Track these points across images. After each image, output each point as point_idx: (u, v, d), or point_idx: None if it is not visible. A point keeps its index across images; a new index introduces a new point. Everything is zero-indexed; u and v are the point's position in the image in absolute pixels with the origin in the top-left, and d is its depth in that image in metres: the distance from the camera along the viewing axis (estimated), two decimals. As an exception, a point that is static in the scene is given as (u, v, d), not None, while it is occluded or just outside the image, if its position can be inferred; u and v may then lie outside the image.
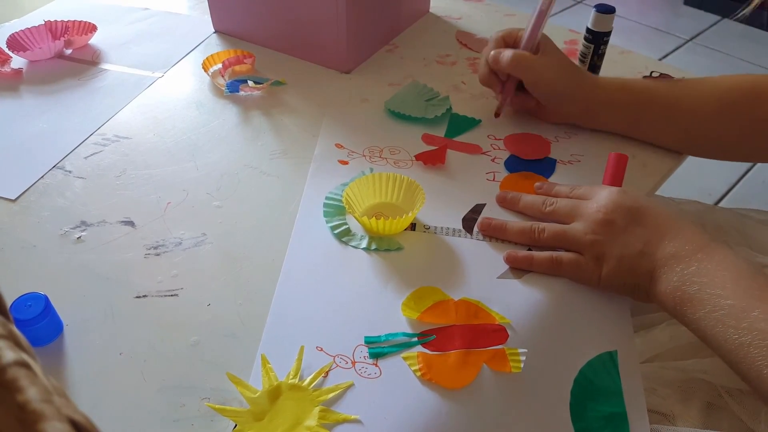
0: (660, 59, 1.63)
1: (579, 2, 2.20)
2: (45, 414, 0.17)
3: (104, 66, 0.74)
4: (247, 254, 0.50)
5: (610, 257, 0.46)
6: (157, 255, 0.50)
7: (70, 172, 0.58)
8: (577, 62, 0.72)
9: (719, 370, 0.48)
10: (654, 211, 0.47)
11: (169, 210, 0.54)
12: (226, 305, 0.46)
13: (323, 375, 0.41)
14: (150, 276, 0.48)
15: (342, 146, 0.61)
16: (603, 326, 0.46)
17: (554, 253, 0.49)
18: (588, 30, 0.69)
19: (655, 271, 0.45)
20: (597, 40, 0.68)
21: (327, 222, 0.53)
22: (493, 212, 0.54)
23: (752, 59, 1.92)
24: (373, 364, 0.42)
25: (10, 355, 0.19)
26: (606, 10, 0.67)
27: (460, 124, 0.65)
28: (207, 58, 0.72)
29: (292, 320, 0.45)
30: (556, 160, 0.60)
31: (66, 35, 0.75)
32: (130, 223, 0.53)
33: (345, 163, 0.59)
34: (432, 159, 0.59)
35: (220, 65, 0.72)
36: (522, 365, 0.42)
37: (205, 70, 0.71)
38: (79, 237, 0.52)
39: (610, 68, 0.73)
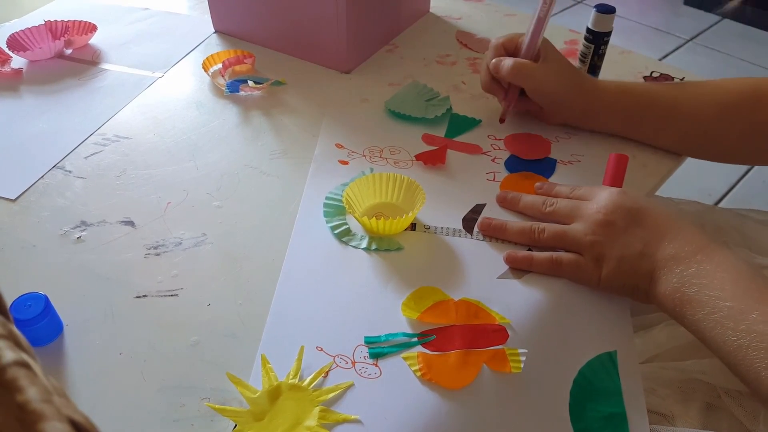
0: (660, 59, 1.63)
1: (579, 2, 2.20)
2: (45, 414, 0.17)
3: (104, 66, 0.74)
4: (247, 254, 0.50)
5: (610, 258, 0.46)
6: (157, 255, 0.50)
7: (70, 172, 0.58)
8: (577, 62, 0.72)
9: (718, 370, 0.48)
10: (654, 212, 0.47)
11: (169, 210, 0.54)
12: (226, 305, 0.46)
13: (323, 375, 0.41)
14: (150, 276, 0.48)
15: (342, 146, 0.61)
16: (603, 327, 0.46)
17: (554, 254, 0.49)
18: (588, 30, 0.69)
19: (655, 272, 0.45)
20: (597, 40, 0.68)
21: (327, 222, 0.53)
22: (493, 212, 0.54)
23: (752, 59, 1.92)
24: (373, 364, 0.42)
25: (9, 355, 0.19)
26: (606, 10, 0.67)
27: (460, 124, 0.65)
28: (207, 58, 0.72)
29: (292, 320, 0.45)
30: (556, 160, 0.60)
31: (66, 35, 0.75)
32: (130, 223, 0.53)
33: (345, 163, 0.59)
34: (432, 159, 0.59)
35: (220, 65, 0.72)
36: (522, 365, 0.42)
37: (205, 70, 0.71)
38: (79, 237, 0.52)
39: (610, 68, 0.73)
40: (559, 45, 0.79)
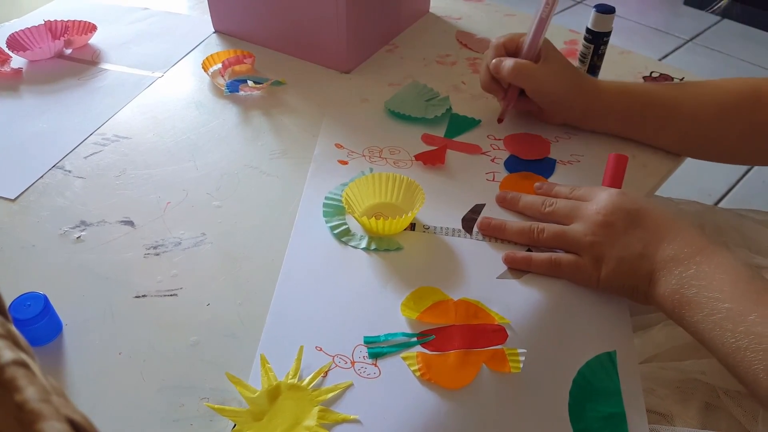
0: (660, 59, 1.63)
1: (579, 2, 2.20)
2: (43, 413, 0.17)
3: (104, 66, 0.74)
4: (247, 254, 0.50)
5: (610, 259, 0.46)
6: (157, 255, 0.50)
7: (69, 171, 0.58)
8: (576, 62, 0.72)
9: (717, 370, 0.48)
10: (653, 214, 0.47)
11: (168, 210, 0.54)
12: (225, 305, 0.46)
13: (322, 375, 0.41)
14: (149, 276, 0.48)
15: (342, 146, 0.61)
16: (602, 327, 0.46)
17: (553, 255, 0.49)
18: (588, 30, 0.69)
19: (654, 273, 0.45)
20: (597, 40, 0.68)
21: (327, 222, 0.53)
22: (493, 212, 0.54)
23: (752, 59, 1.92)
24: (373, 364, 0.42)
25: (8, 354, 0.19)
26: (606, 10, 0.67)
27: (459, 124, 0.65)
28: (207, 58, 0.72)
29: (291, 320, 0.45)
30: (555, 160, 0.60)
31: (66, 35, 0.75)
32: (130, 223, 0.53)
33: (345, 163, 0.59)
34: (432, 159, 0.59)
35: (219, 65, 0.72)
36: (521, 365, 0.42)
37: (205, 70, 0.71)
38: (79, 237, 0.52)
39: (610, 68, 0.73)
40: (559, 45, 0.79)
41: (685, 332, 0.43)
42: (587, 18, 0.68)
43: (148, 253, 0.50)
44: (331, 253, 0.50)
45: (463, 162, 0.60)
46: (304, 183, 0.57)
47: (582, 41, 0.70)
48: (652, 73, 0.75)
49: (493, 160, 0.60)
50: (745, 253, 0.59)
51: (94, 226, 0.52)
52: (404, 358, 0.42)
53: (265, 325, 0.44)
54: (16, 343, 0.20)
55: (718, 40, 2.01)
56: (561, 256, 0.48)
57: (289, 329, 0.44)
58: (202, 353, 0.43)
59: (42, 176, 0.58)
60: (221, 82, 0.70)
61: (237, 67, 0.72)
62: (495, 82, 0.62)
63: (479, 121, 0.65)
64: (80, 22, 0.77)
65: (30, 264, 0.49)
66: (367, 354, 0.43)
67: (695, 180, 1.45)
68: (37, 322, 0.42)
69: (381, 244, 0.51)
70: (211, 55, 0.72)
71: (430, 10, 0.86)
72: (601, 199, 0.49)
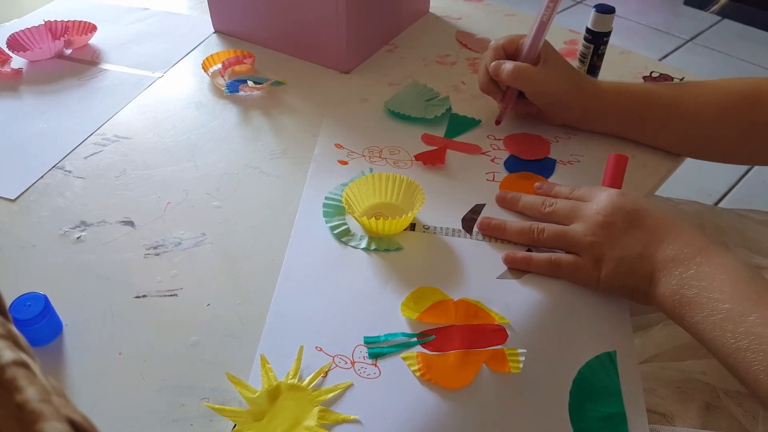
0: (660, 59, 1.63)
1: (579, 2, 2.20)
2: (44, 414, 0.17)
3: (104, 66, 0.74)
4: (247, 254, 0.50)
5: (610, 259, 0.46)
6: (157, 255, 0.50)
7: (69, 172, 0.58)
8: (576, 62, 0.72)
9: (717, 371, 0.48)
10: (653, 214, 0.47)
11: (168, 210, 0.54)
12: (225, 305, 0.46)
13: (323, 375, 0.41)
14: (149, 276, 0.48)
15: (342, 146, 0.61)
16: (602, 327, 0.46)
17: (553, 255, 0.49)
18: (588, 30, 0.69)
19: (655, 273, 0.45)
20: (597, 40, 0.68)
21: (326, 222, 0.53)
22: (493, 212, 0.54)
23: (752, 59, 1.92)
24: (373, 364, 0.42)
25: (8, 354, 0.19)
26: (606, 10, 0.67)
27: (459, 124, 0.65)
28: (207, 58, 0.72)
29: (291, 320, 0.45)
30: (555, 160, 0.60)
31: (66, 35, 0.75)
32: (130, 223, 0.53)
33: (345, 163, 0.59)
34: (432, 159, 0.59)
35: (219, 65, 0.72)
36: (521, 365, 0.42)
37: (205, 70, 0.71)
38: (79, 237, 0.52)
39: (610, 68, 0.73)
40: (559, 45, 0.79)
41: (686, 332, 0.43)
42: (587, 18, 0.68)
43: (148, 254, 0.50)
44: (331, 253, 0.50)
45: (463, 162, 0.60)
46: (304, 183, 0.57)
47: (582, 41, 0.70)
48: (652, 73, 0.75)
49: (493, 160, 0.60)
50: (745, 253, 0.59)
51: (95, 227, 0.53)
52: (404, 358, 0.42)
53: (265, 325, 0.45)
54: (16, 344, 0.20)
55: (718, 40, 2.01)
56: (561, 256, 0.48)
57: (289, 329, 0.44)
58: (202, 353, 0.43)
59: (42, 176, 0.58)
60: (221, 82, 0.70)
61: (237, 68, 0.72)
62: (494, 84, 0.62)
63: (479, 121, 0.65)
64: (80, 22, 0.77)
65: (30, 264, 0.49)
66: (367, 354, 0.43)
67: (695, 180, 1.45)
68: (37, 322, 0.42)
69: (381, 244, 0.51)
70: (211, 55, 0.72)
71: (430, 10, 0.86)
72: (601, 199, 0.49)
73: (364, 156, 0.60)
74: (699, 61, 1.91)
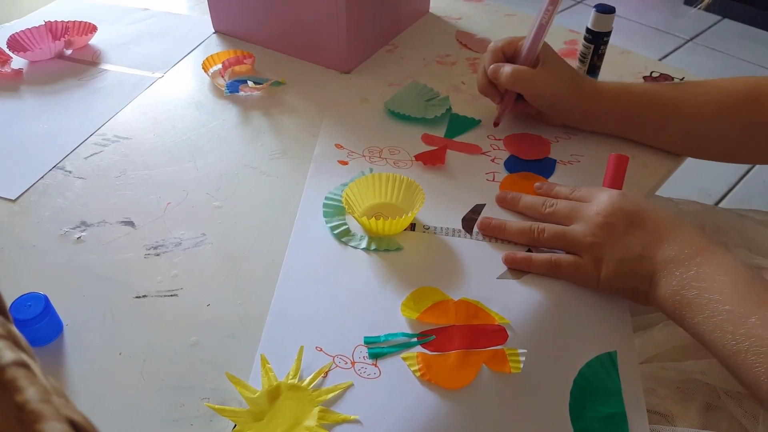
0: (660, 59, 1.63)
1: (579, 2, 2.20)
2: (44, 414, 0.17)
3: (104, 66, 0.74)
4: (247, 254, 0.50)
5: (610, 260, 0.46)
6: (157, 255, 0.50)
7: (70, 172, 0.58)
8: (576, 62, 0.72)
9: (718, 371, 0.48)
10: (654, 215, 0.47)
11: (168, 210, 0.54)
12: (225, 305, 0.46)
13: (323, 375, 0.41)
14: (150, 276, 0.48)
15: (342, 146, 0.61)
16: (602, 327, 0.46)
17: (553, 255, 0.49)
18: (588, 30, 0.69)
19: (655, 274, 0.45)
20: (597, 40, 0.68)
21: (327, 222, 0.53)
22: (493, 212, 0.54)
23: (752, 59, 1.92)
24: (373, 364, 0.42)
25: (9, 355, 0.19)
26: (606, 10, 0.67)
27: (459, 124, 0.65)
28: (207, 59, 0.72)
29: (291, 320, 0.45)
30: (555, 160, 0.60)
31: (66, 35, 0.75)
32: (130, 224, 0.53)
33: (345, 163, 0.59)
34: (432, 159, 0.59)
35: (220, 65, 0.72)
36: (521, 366, 0.42)
37: (205, 71, 0.71)
38: (79, 237, 0.52)
39: (610, 68, 0.73)
40: (559, 45, 0.79)
41: (686, 332, 0.43)
42: (587, 18, 0.68)
43: (149, 254, 0.50)
44: (331, 253, 0.50)
45: (463, 162, 0.60)
46: (304, 183, 0.57)
47: (582, 41, 0.70)
48: (652, 73, 0.75)
49: (493, 160, 0.60)
50: (745, 253, 0.59)
51: (95, 227, 0.53)
52: (404, 359, 0.42)
53: (265, 325, 0.45)
54: (16, 344, 0.20)
55: (718, 40, 2.01)
56: (561, 256, 0.48)
57: (290, 329, 0.44)
58: (202, 353, 0.43)
59: (42, 177, 0.58)
60: (221, 82, 0.70)
61: (237, 68, 0.72)
62: (492, 86, 0.62)
63: (479, 121, 0.65)
64: (80, 22, 0.77)
65: (30, 264, 0.49)
66: (367, 354, 0.43)
67: (695, 180, 1.45)
68: (37, 322, 0.42)
69: (381, 245, 0.51)
70: (211, 55, 0.72)
71: (430, 10, 0.86)
72: (601, 200, 0.49)
73: (364, 156, 0.60)
74: (699, 61, 1.91)
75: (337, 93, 0.69)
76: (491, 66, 0.60)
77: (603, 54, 0.70)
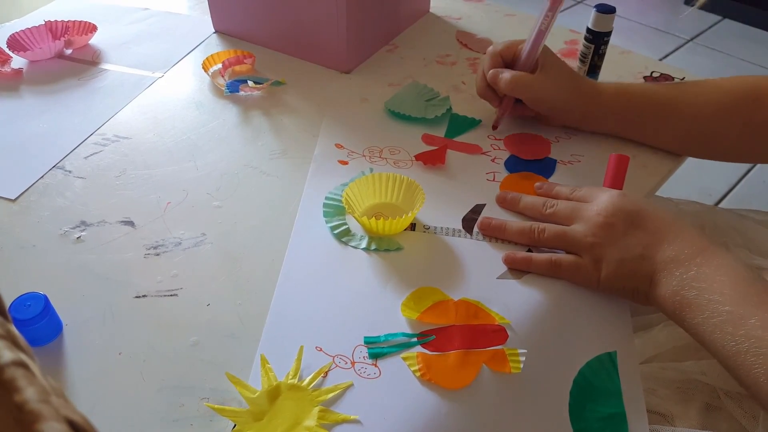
0: (660, 59, 1.62)
1: (579, 2, 2.20)
2: (42, 414, 0.17)
3: (104, 66, 0.74)
4: (247, 254, 0.50)
5: (610, 260, 0.46)
6: (157, 255, 0.50)
7: (70, 172, 0.58)
8: (577, 62, 0.72)
9: (718, 371, 0.48)
10: (654, 215, 0.47)
11: (168, 210, 0.54)
12: (225, 305, 0.46)
13: (323, 375, 0.41)
14: (149, 276, 0.48)
15: (342, 146, 0.61)
16: (602, 327, 0.46)
17: (553, 255, 0.49)
18: (588, 30, 0.68)
19: (655, 274, 0.45)
20: (597, 40, 0.68)
21: (327, 222, 0.53)
22: (493, 212, 0.54)
23: (752, 59, 1.92)
24: (373, 364, 0.42)
25: (7, 355, 0.19)
26: (606, 10, 0.67)
27: (460, 124, 0.65)
28: (207, 58, 0.72)
29: (291, 320, 0.45)
30: (556, 160, 0.60)
31: (66, 35, 0.75)
32: (130, 223, 0.53)
33: (345, 163, 0.59)
34: (432, 159, 0.59)
35: (220, 65, 0.72)
36: (522, 366, 0.42)
37: (205, 70, 0.71)
38: (79, 237, 0.52)
39: (611, 68, 0.73)
40: (559, 45, 0.79)
41: (686, 333, 0.43)
42: (588, 18, 0.68)
43: (149, 253, 0.50)
44: (331, 253, 0.50)
45: (464, 162, 0.60)
46: (304, 183, 0.57)
47: (582, 41, 0.70)
48: (652, 73, 0.75)
49: (493, 160, 0.60)
50: (746, 253, 0.59)
51: (95, 227, 0.52)
52: (404, 359, 0.42)
53: (265, 325, 0.44)
54: (15, 344, 0.20)
55: (719, 40, 2.01)
56: (561, 256, 0.48)
57: (289, 329, 0.44)
58: (202, 353, 0.43)
59: (42, 176, 0.58)
60: (221, 82, 0.70)
61: (237, 67, 0.72)
62: (491, 90, 0.62)
63: (479, 121, 0.65)
64: (80, 22, 0.77)
65: (30, 264, 0.49)
66: (367, 354, 0.43)
67: (695, 180, 1.45)
68: (37, 322, 0.42)
69: (381, 244, 0.51)
70: (211, 55, 0.72)
71: (430, 10, 0.86)
72: (601, 200, 0.49)
73: (364, 156, 0.60)
74: (699, 61, 1.91)
75: (337, 93, 0.69)
76: (490, 71, 0.60)
77: (603, 54, 0.70)
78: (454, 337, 0.44)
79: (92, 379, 0.41)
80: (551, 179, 0.58)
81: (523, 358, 0.42)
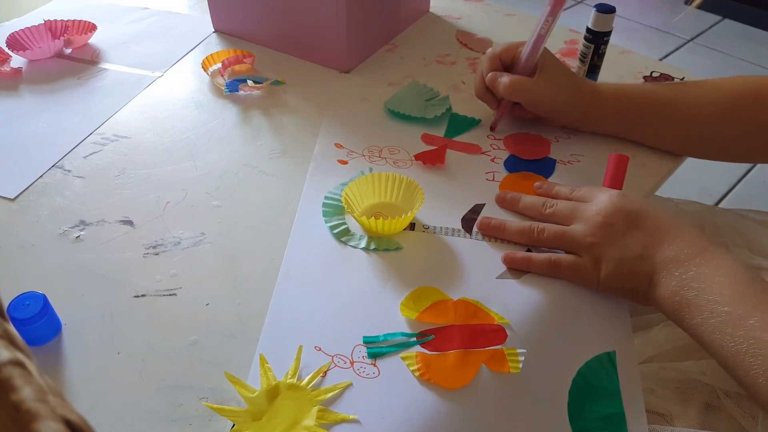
0: (660, 59, 1.62)
1: (579, 2, 2.20)
2: (39, 413, 0.17)
3: (104, 65, 0.74)
4: (246, 254, 0.50)
5: (610, 260, 0.46)
6: (156, 254, 0.50)
7: (69, 171, 0.58)
8: (577, 62, 0.72)
9: (717, 371, 0.48)
10: (653, 215, 0.47)
11: (168, 209, 0.54)
12: (224, 305, 0.46)
13: (322, 375, 0.41)
14: (149, 275, 0.48)
15: (341, 146, 0.61)
16: (602, 327, 0.46)
17: (553, 255, 0.48)
18: (588, 30, 0.68)
19: (655, 274, 0.45)
20: (597, 39, 0.68)
21: (326, 222, 0.53)
22: (493, 212, 0.54)
23: (752, 59, 1.92)
24: (372, 364, 0.42)
25: (4, 354, 0.19)
26: (606, 10, 0.67)
27: (459, 123, 0.65)
28: (206, 58, 0.72)
29: (290, 320, 0.45)
30: (555, 160, 0.60)
31: (66, 34, 0.75)
32: (129, 223, 0.53)
33: (344, 162, 0.59)
34: (431, 159, 0.59)
35: (219, 65, 0.72)
36: (521, 365, 0.42)
37: (205, 70, 0.71)
38: (78, 236, 0.51)
39: (610, 68, 0.73)
40: (559, 45, 0.79)
41: (685, 333, 0.43)
42: (587, 18, 0.68)
43: (148, 253, 0.50)
44: (331, 252, 0.50)
45: (463, 162, 0.60)
46: (304, 183, 0.57)
47: (582, 41, 0.70)
48: (652, 73, 0.75)
49: (493, 160, 0.60)
50: (745, 253, 0.59)
51: (94, 226, 0.52)
52: (403, 358, 0.42)
53: (264, 324, 0.44)
54: (12, 343, 0.20)
55: (719, 40, 2.01)
56: (561, 256, 0.48)
57: (289, 329, 0.44)
58: (201, 353, 0.43)
59: (41, 176, 0.57)
60: (221, 81, 0.70)
61: (237, 67, 0.72)
62: (489, 93, 0.61)
63: (479, 120, 0.65)
64: (80, 21, 0.77)
65: (29, 263, 0.49)
66: (366, 354, 0.43)
67: (695, 180, 1.45)
68: (36, 321, 0.42)
69: (380, 244, 0.51)
70: (210, 54, 0.72)
71: (430, 10, 0.86)
72: (601, 200, 0.49)
73: (363, 156, 0.60)
74: (699, 61, 1.91)
75: (337, 92, 0.69)
76: (489, 74, 0.60)
77: (603, 54, 0.70)
78: (453, 337, 0.44)
79: (91, 378, 0.41)
80: (551, 179, 0.58)
81: (522, 358, 0.42)
